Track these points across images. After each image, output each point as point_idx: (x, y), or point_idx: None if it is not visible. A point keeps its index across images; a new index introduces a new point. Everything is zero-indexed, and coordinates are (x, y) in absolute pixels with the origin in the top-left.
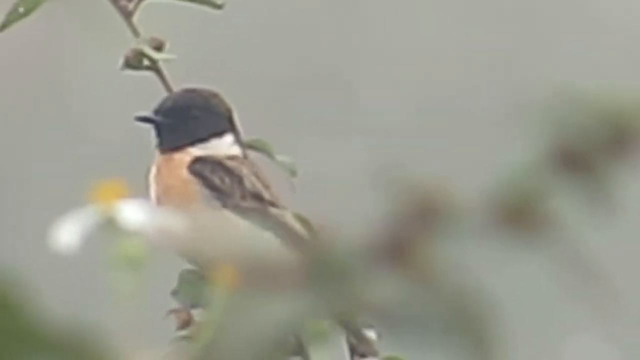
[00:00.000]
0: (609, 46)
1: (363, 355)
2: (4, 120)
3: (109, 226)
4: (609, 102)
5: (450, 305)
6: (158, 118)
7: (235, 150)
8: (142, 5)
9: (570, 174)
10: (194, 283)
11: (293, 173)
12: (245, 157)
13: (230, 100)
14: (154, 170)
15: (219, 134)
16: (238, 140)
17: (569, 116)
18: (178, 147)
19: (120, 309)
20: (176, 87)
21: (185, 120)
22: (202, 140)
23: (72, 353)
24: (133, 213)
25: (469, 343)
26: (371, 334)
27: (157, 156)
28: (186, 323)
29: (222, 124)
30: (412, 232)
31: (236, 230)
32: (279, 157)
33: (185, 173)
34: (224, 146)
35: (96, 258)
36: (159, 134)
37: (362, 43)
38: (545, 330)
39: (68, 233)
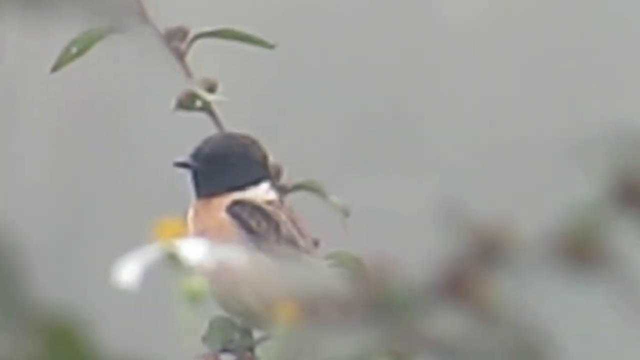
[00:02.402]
0: None
1: None
2: (67, 158)
3: (171, 263)
4: None
5: (510, 340)
6: (196, 165)
7: (272, 195)
8: (195, 45)
9: (631, 210)
10: (224, 329)
11: (346, 213)
12: (282, 202)
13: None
14: (191, 212)
15: (255, 182)
16: (274, 186)
17: (630, 153)
18: (215, 194)
19: (182, 343)
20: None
21: (222, 168)
22: (239, 188)
23: None
24: (194, 250)
25: None
26: None
27: (195, 200)
28: None
29: (258, 171)
30: (473, 268)
31: (287, 270)
32: (332, 198)
33: (223, 215)
34: (259, 193)
35: (158, 294)
36: (196, 179)
37: (428, 83)
38: None
39: (130, 270)
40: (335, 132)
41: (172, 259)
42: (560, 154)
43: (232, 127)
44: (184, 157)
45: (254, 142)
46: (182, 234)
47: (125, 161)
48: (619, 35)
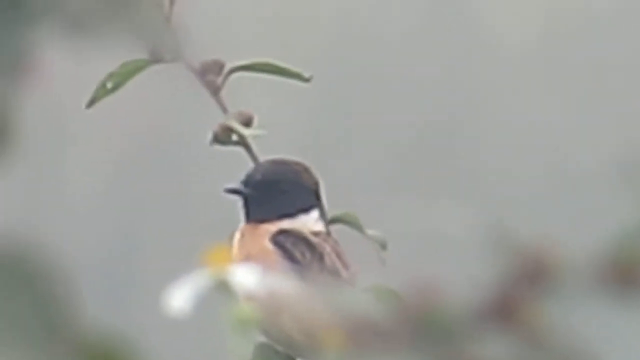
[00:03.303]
0: None
1: None
2: (119, 185)
3: (221, 290)
4: None
5: None
6: (247, 191)
7: (320, 226)
8: (231, 79)
9: None
10: (268, 356)
11: (383, 246)
12: (328, 233)
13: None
14: (237, 235)
15: (307, 209)
16: (322, 215)
17: None
18: (265, 220)
19: None
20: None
21: (274, 194)
22: (290, 215)
23: None
24: (245, 278)
25: None
26: None
27: (243, 224)
28: None
29: (310, 199)
30: (521, 292)
31: (329, 299)
32: (369, 231)
33: (267, 243)
34: (310, 221)
35: (209, 320)
36: (247, 205)
37: (479, 109)
38: None
39: (181, 296)
40: (389, 157)
41: (223, 286)
42: (610, 179)
43: (285, 153)
44: (235, 184)
45: (306, 169)
46: (231, 260)
47: (176, 188)
48: None
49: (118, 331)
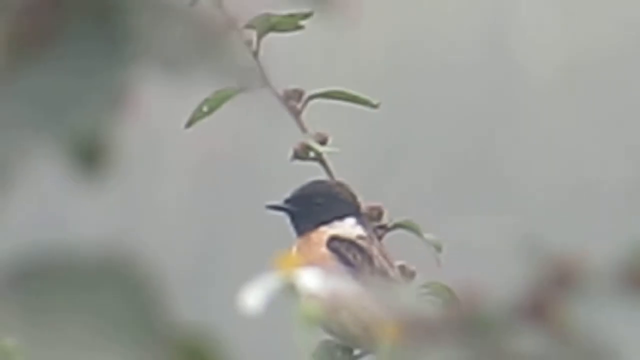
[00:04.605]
0: None
1: None
2: (202, 199)
3: (290, 291)
4: None
5: (582, 358)
6: (286, 206)
7: (361, 231)
8: (310, 104)
9: None
10: (329, 349)
11: (439, 249)
12: (372, 238)
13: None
14: (294, 249)
15: (340, 217)
16: (362, 223)
17: None
18: (308, 229)
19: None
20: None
21: (309, 206)
22: (325, 222)
23: None
24: (310, 280)
25: None
26: None
27: (296, 237)
28: None
29: (344, 208)
30: (551, 295)
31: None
32: (427, 235)
33: (324, 249)
34: (346, 227)
35: (279, 318)
36: (292, 219)
37: (512, 130)
38: None
39: (255, 296)
40: (432, 176)
41: (291, 288)
42: (629, 195)
43: (344, 174)
44: (278, 202)
45: (339, 185)
46: (298, 265)
47: (254, 201)
48: None
49: (203, 327)
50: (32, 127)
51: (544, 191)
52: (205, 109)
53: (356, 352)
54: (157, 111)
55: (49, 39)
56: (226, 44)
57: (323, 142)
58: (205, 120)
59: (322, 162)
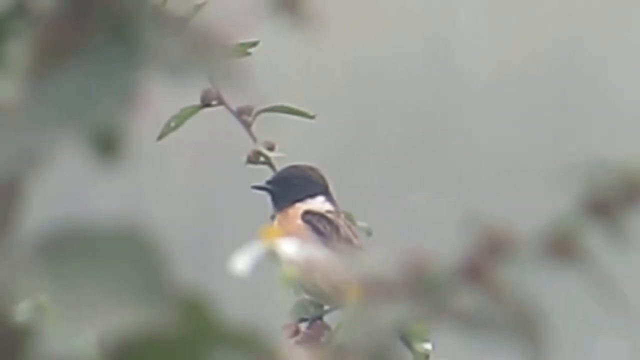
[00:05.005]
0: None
1: None
2: (201, 181)
3: (272, 256)
4: (627, 167)
5: (513, 313)
6: (269, 187)
7: (328, 206)
8: (258, 118)
9: (598, 219)
10: (304, 305)
11: (369, 234)
12: (339, 212)
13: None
14: (275, 222)
15: (312, 195)
16: (330, 200)
17: (599, 178)
18: (285, 205)
19: (281, 314)
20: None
21: (288, 187)
22: (300, 200)
23: (248, 343)
24: (289, 247)
25: (526, 342)
26: (428, 346)
27: (275, 213)
28: (295, 333)
29: (315, 188)
30: (486, 261)
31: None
32: (359, 223)
33: (299, 221)
34: (317, 203)
35: (264, 280)
36: (272, 198)
37: (454, 121)
38: (581, 332)
39: (243, 261)
40: (389, 161)
41: (273, 254)
42: (550, 177)
43: (316, 161)
44: (260, 183)
45: (312, 168)
46: (278, 235)
47: (240, 186)
48: (594, 91)
49: (201, 287)
50: (59, 121)
51: (481, 173)
52: (172, 124)
53: (326, 307)
54: (162, 108)
55: (73, 49)
56: (218, 53)
57: (271, 149)
58: (205, 114)
59: (271, 166)
